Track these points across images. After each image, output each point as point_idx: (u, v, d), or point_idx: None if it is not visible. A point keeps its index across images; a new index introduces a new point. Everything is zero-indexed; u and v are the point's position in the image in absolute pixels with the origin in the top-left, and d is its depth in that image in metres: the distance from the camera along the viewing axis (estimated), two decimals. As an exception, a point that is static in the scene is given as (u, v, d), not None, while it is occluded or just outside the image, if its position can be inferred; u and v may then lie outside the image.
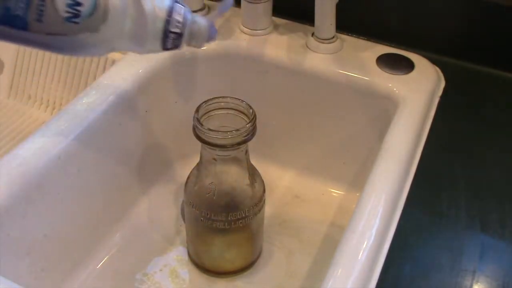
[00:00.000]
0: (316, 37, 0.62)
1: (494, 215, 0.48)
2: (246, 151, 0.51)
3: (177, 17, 0.40)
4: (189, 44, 0.42)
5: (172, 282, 0.57)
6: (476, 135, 0.56)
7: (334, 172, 0.67)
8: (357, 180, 0.65)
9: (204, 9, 0.68)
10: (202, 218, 0.53)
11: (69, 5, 0.36)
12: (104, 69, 0.78)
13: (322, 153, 0.67)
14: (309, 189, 0.68)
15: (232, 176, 0.52)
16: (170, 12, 0.39)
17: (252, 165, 0.53)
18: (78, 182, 0.54)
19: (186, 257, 0.60)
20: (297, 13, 0.67)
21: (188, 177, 0.54)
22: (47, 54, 0.83)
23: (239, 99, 0.50)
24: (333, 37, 0.62)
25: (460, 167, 0.52)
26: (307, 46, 0.63)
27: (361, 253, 0.42)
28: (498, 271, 0.44)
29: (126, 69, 0.59)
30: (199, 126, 0.48)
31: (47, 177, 0.50)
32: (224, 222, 0.53)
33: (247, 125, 0.48)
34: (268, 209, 0.60)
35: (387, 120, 0.55)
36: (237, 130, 0.48)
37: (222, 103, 0.51)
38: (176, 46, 0.41)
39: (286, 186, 0.68)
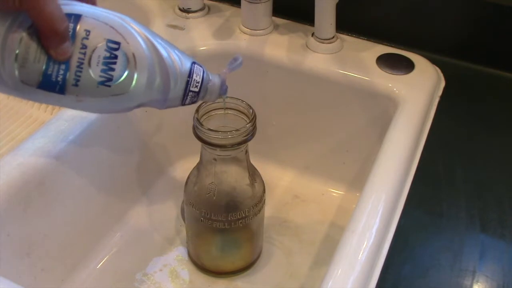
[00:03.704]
0: (316, 37, 0.62)
1: (494, 215, 0.48)
2: (246, 151, 0.51)
3: (196, 78, 0.43)
4: (202, 99, 0.45)
5: (172, 282, 0.57)
6: (476, 135, 0.56)
7: (334, 172, 0.67)
8: (357, 180, 0.65)
9: (204, 9, 0.68)
10: (202, 218, 0.53)
11: (103, 70, 0.39)
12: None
13: (322, 153, 0.67)
14: (309, 189, 0.68)
15: (232, 176, 0.52)
16: (190, 73, 0.43)
17: (252, 165, 0.53)
18: (78, 182, 0.54)
19: (186, 257, 0.60)
20: (297, 13, 0.67)
21: (188, 177, 0.54)
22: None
23: (239, 99, 0.50)
24: (333, 37, 0.62)
25: (460, 167, 0.52)
26: (307, 46, 0.63)
27: (361, 253, 0.42)
28: (498, 271, 0.44)
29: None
30: (199, 126, 0.48)
31: (47, 177, 0.50)
32: (224, 222, 0.53)
33: (247, 125, 0.48)
34: (268, 209, 0.60)
35: (387, 120, 0.55)
36: (237, 130, 0.48)
37: (222, 103, 0.51)
38: (193, 102, 0.45)
39: (286, 186, 0.68)
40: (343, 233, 0.44)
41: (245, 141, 0.49)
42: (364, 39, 0.65)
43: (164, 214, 0.64)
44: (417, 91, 0.58)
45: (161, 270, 0.58)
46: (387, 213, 0.46)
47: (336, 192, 0.67)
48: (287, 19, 0.67)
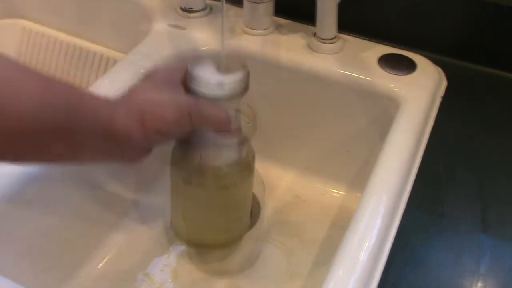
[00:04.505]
0: (318, 37, 0.62)
1: (494, 215, 0.48)
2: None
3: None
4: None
5: (172, 282, 0.57)
6: (477, 135, 0.56)
7: (334, 172, 0.67)
8: (357, 181, 0.65)
9: (206, 9, 0.68)
10: (187, 181, 0.52)
11: None
12: (106, 69, 0.78)
13: (323, 153, 0.67)
14: (309, 189, 0.68)
15: None
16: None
17: (246, 137, 0.51)
18: (78, 182, 0.54)
19: (186, 257, 0.60)
20: (298, 13, 0.67)
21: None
22: (48, 54, 0.83)
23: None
24: (335, 37, 0.62)
25: (461, 167, 0.52)
26: (308, 46, 0.63)
27: (362, 253, 0.42)
28: (498, 271, 0.44)
29: (128, 69, 0.59)
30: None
31: (47, 176, 0.50)
32: (209, 186, 0.51)
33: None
34: (268, 209, 0.60)
35: (388, 120, 0.55)
36: None
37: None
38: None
39: (287, 186, 0.68)
40: (344, 233, 0.44)
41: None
42: (365, 39, 0.65)
43: (164, 214, 0.64)
44: (419, 91, 0.58)
45: (162, 270, 0.58)
46: (388, 213, 0.46)
47: (337, 192, 0.67)
48: (289, 19, 0.67)
